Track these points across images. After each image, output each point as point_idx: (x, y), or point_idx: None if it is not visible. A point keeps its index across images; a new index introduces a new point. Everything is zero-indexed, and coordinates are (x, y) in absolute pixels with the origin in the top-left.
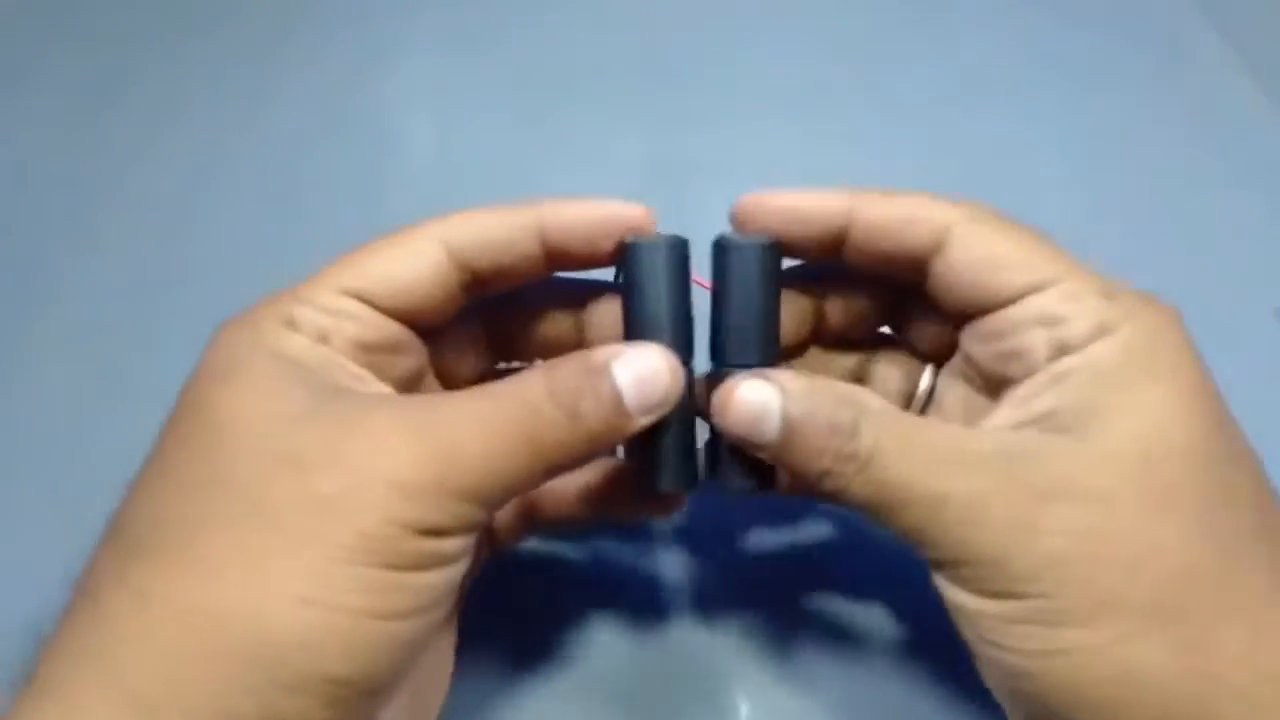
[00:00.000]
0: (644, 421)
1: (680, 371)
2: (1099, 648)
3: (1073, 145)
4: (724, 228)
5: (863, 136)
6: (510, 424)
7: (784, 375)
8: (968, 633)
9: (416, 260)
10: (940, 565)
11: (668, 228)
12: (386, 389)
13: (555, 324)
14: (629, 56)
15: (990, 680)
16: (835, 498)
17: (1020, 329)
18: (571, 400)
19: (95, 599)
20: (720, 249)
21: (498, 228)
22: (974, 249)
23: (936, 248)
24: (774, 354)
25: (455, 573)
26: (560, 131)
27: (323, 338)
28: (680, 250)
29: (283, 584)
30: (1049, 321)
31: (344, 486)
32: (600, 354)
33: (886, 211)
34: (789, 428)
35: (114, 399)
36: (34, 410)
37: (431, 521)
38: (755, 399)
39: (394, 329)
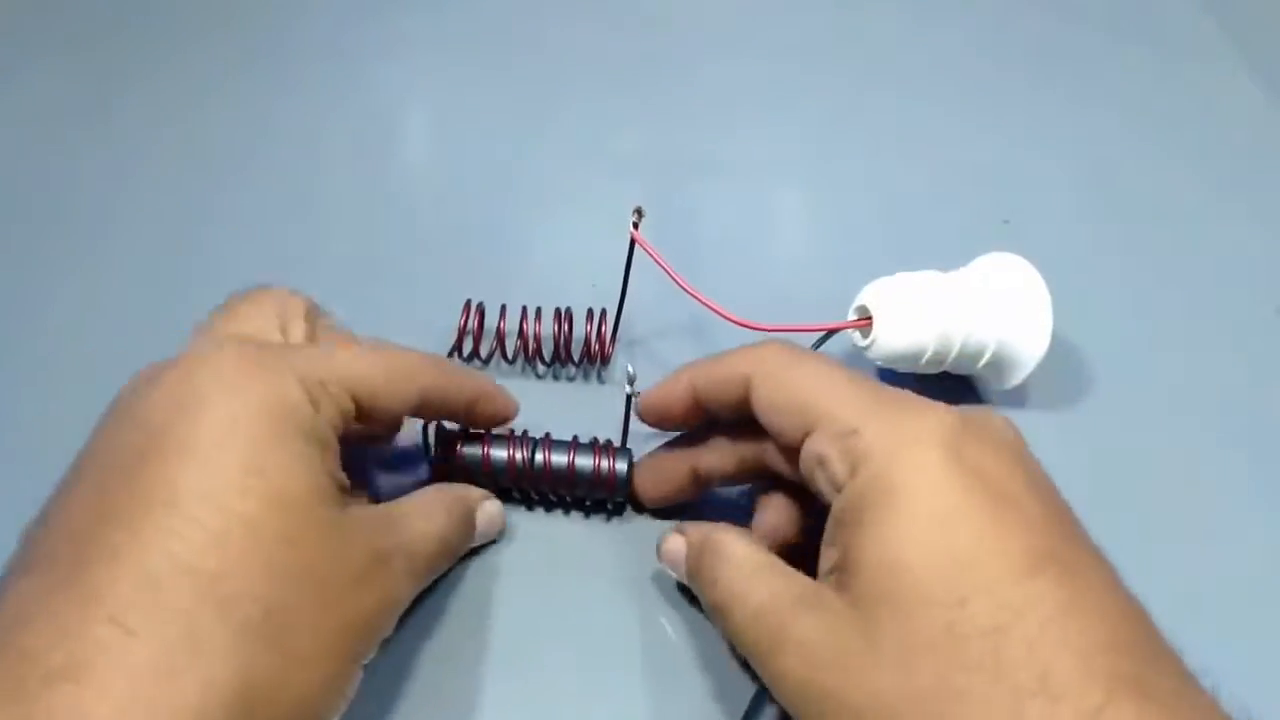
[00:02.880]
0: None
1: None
2: None
3: (1073, 145)
4: (721, 226)
5: (862, 135)
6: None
7: (689, 528)
8: None
9: (406, 400)
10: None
11: (666, 226)
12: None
13: None
14: (629, 56)
15: None
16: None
17: (808, 468)
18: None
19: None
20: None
21: (455, 393)
22: (763, 399)
23: (746, 398)
24: None
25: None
26: (560, 131)
27: (334, 427)
28: None
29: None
30: (820, 462)
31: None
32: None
33: (710, 374)
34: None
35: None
36: (34, 406)
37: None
38: (672, 548)
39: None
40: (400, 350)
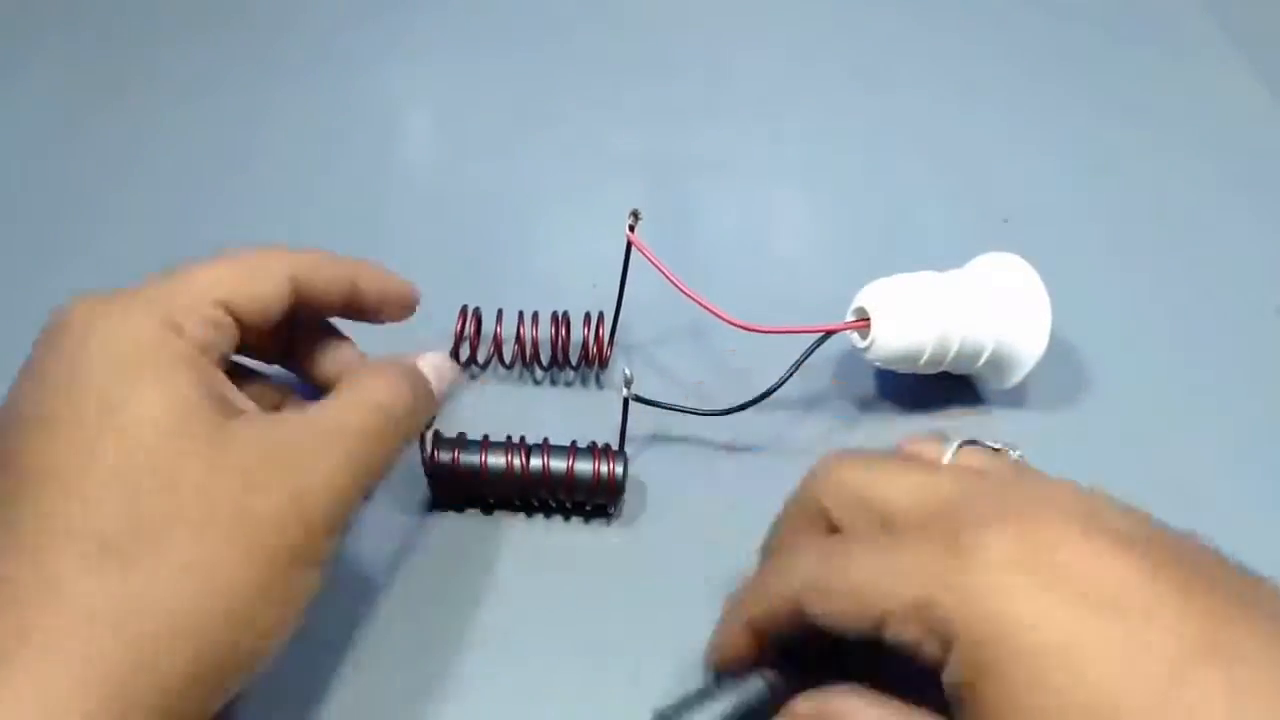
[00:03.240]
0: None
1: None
2: None
3: (1073, 144)
4: (720, 224)
5: (862, 135)
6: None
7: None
8: None
9: (276, 286)
10: None
11: (666, 224)
12: (250, 405)
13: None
14: (629, 55)
15: None
16: None
17: (902, 651)
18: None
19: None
20: None
21: (329, 271)
22: (820, 617)
23: (798, 615)
24: None
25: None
26: (560, 131)
27: (203, 349)
28: None
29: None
30: (908, 647)
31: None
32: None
33: (759, 609)
34: None
35: None
36: None
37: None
38: None
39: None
40: (264, 247)
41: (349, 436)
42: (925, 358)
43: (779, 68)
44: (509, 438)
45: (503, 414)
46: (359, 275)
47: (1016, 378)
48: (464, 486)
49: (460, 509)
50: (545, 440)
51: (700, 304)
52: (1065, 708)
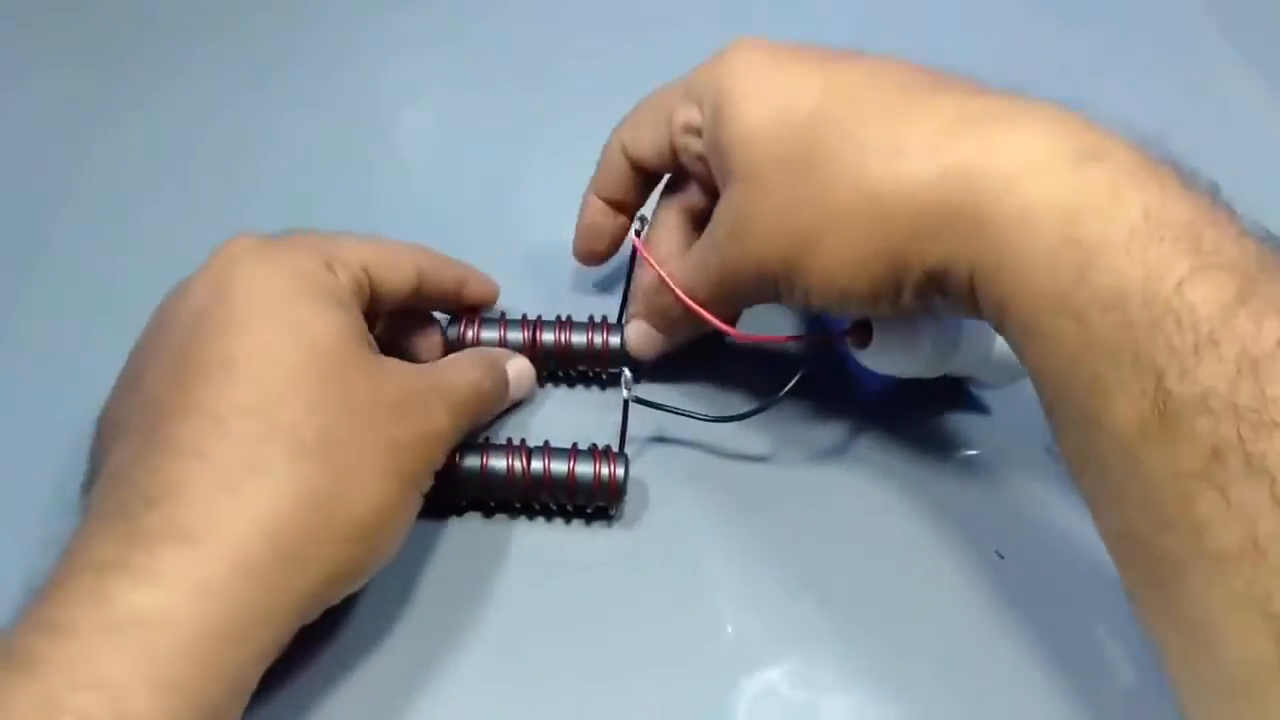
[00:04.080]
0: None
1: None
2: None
3: None
4: None
5: None
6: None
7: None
8: None
9: (407, 276)
10: None
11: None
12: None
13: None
14: (630, 54)
15: None
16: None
17: (681, 141)
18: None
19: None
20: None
21: (449, 273)
22: (634, 149)
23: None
24: None
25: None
26: (560, 128)
27: (352, 293)
28: None
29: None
30: (689, 129)
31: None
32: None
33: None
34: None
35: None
36: (34, 405)
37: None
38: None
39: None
40: (399, 241)
41: (456, 397)
42: (926, 361)
43: None
44: (509, 440)
45: (502, 414)
46: (468, 281)
47: (1017, 378)
48: (464, 490)
49: (460, 512)
50: (546, 443)
51: (700, 314)
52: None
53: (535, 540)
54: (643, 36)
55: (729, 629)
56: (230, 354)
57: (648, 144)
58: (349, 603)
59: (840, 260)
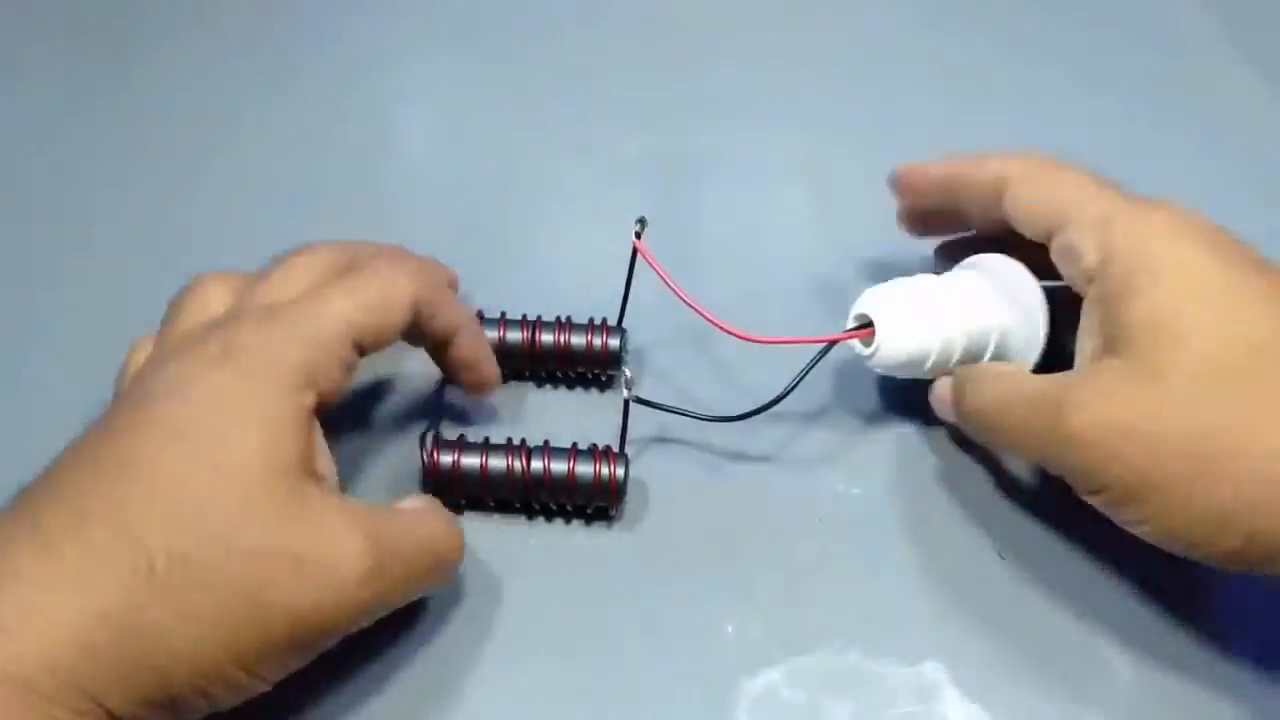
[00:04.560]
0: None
1: None
2: None
3: (1072, 143)
4: (721, 222)
5: (864, 136)
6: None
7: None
8: None
9: (401, 320)
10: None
11: (666, 222)
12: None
13: None
14: (630, 53)
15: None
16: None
17: (1060, 259)
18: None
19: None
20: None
21: (443, 319)
22: (1017, 196)
23: (996, 199)
24: None
25: None
26: (559, 128)
27: (323, 400)
28: None
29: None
30: (1071, 254)
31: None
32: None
33: (968, 165)
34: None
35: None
36: (33, 404)
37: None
38: (940, 393)
39: None
40: (391, 271)
41: (407, 562)
42: (930, 364)
43: (780, 66)
44: (509, 440)
45: (503, 414)
46: (461, 331)
47: None
48: (464, 489)
49: (459, 511)
50: (546, 442)
51: (702, 315)
52: (1203, 310)
53: (535, 540)
54: (644, 37)
55: (729, 629)
56: (137, 458)
57: (978, 205)
58: None
59: (1206, 514)
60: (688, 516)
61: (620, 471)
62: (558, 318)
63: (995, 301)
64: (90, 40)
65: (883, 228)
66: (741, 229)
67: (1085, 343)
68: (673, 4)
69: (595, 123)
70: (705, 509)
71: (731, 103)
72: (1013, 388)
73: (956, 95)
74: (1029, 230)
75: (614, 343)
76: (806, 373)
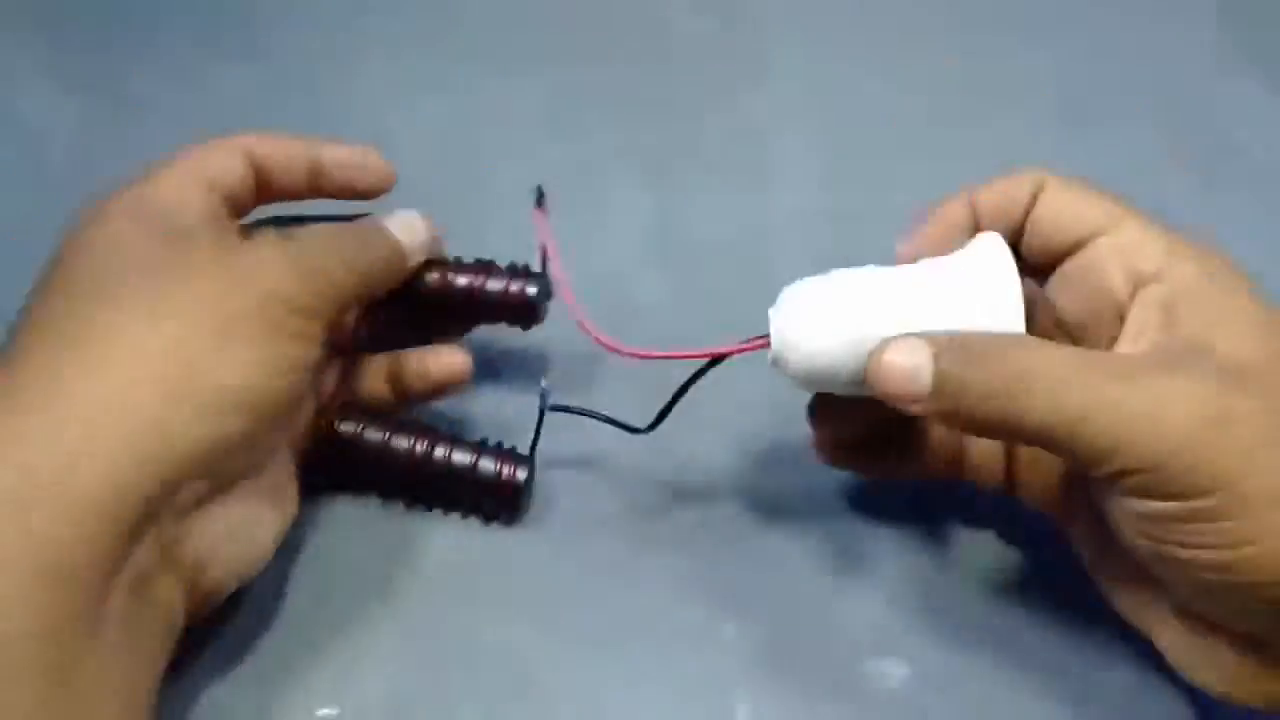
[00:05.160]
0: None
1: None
2: None
3: (1072, 142)
4: (715, 221)
5: (865, 136)
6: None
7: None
8: (1143, 540)
9: (237, 162)
10: (1116, 479)
11: (668, 222)
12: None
13: None
14: (630, 53)
15: (1172, 580)
16: (1009, 431)
17: (1098, 264)
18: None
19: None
20: None
21: (287, 148)
22: (1062, 196)
23: (1032, 201)
24: None
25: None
26: (560, 133)
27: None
28: None
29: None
30: (1123, 253)
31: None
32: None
33: (991, 186)
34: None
35: None
36: None
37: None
38: (897, 360)
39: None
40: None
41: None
42: (848, 374)
43: (781, 66)
44: (418, 418)
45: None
46: (321, 151)
47: None
48: (363, 463)
49: (354, 494)
50: (456, 434)
51: (585, 326)
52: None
53: (535, 540)
54: (641, 36)
55: (729, 629)
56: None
57: (997, 214)
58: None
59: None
60: (688, 518)
61: (521, 474)
62: (477, 259)
63: (952, 292)
64: (90, 40)
65: (887, 228)
66: (743, 228)
67: (1139, 339)
68: (673, 5)
69: (596, 122)
70: (706, 510)
71: (731, 101)
72: (1059, 360)
73: (955, 94)
74: (1069, 227)
75: (532, 290)
76: (688, 386)
